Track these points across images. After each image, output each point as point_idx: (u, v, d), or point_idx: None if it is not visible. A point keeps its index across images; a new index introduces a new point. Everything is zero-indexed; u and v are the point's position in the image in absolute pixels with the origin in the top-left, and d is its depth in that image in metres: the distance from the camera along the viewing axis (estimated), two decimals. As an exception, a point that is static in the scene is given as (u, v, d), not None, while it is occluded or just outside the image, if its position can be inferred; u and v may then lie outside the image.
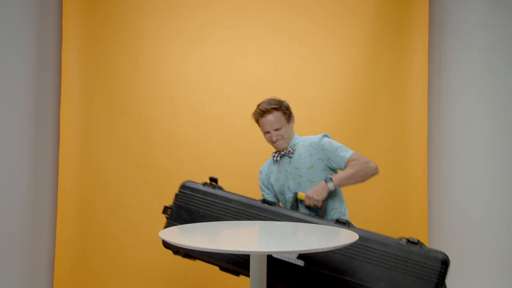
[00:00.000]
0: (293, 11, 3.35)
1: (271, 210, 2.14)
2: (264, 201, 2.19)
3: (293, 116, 2.37)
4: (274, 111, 2.32)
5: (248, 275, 2.01)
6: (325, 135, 2.34)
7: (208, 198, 2.21)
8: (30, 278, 2.61)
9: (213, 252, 2.04)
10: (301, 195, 2.20)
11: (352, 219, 2.23)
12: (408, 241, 1.91)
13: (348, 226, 2.03)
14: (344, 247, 1.92)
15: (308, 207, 2.24)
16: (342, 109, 3.35)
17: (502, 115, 2.62)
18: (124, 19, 3.29)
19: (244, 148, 3.25)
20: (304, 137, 2.39)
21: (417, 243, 1.90)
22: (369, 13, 3.34)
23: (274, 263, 1.95)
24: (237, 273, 2.11)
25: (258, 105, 2.36)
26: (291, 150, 2.34)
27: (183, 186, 2.27)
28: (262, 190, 2.48)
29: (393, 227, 3.31)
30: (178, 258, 3.28)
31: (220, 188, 2.26)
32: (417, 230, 3.27)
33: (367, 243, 1.94)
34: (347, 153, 2.25)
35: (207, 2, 3.33)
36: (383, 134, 3.36)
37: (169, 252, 3.25)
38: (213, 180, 2.29)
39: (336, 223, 2.04)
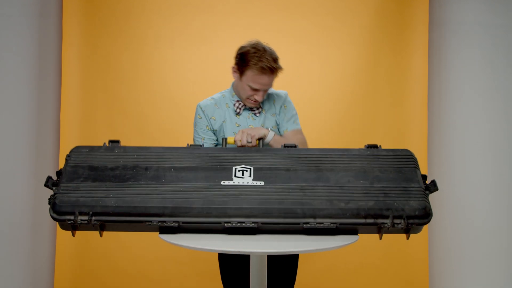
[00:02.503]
0: (292, 11, 3.35)
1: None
2: (191, 145, 1.77)
3: None
4: (276, 74, 2.04)
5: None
6: (287, 94, 2.24)
7: (116, 151, 1.70)
8: (30, 278, 2.61)
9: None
10: (231, 139, 1.93)
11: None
12: (368, 146, 1.73)
13: (295, 147, 1.75)
14: (304, 161, 1.65)
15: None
16: (342, 109, 3.35)
17: (503, 115, 2.62)
18: (125, 19, 3.28)
19: (244, 148, 3.24)
20: None
21: (376, 145, 1.73)
22: (369, 13, 3.34)
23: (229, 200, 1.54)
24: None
25: (262, 55, 1.98)
26: (260, 109, 2.15)
27: (76, 147, 1.74)
28: (203, 132, 2.13)
29: (393, 227, 3.31)
30: (178, 258, 3.29)
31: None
32: (417, 230, 3.27)
33: (327, 152, 1.69)
34: (297, 124, 2.19)
35: (208, 3, 3.33)
36: (383, 134, 3.36)
37: (169, 252, 3.27)
38: (115, 141, 1.79)
39: (283, 147, 1.75)
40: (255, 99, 2.07)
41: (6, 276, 2.48)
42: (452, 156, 2.71)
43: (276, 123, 2.19)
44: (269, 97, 2.20)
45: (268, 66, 1.98)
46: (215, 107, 2.18)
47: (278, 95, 2.22)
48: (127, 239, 3.26)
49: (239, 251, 1.43)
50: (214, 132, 2.17)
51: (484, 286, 2.59)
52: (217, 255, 2.30)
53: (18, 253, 2.54)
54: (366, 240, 3.16)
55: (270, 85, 2.07)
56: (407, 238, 1.59)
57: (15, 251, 2.52)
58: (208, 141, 2.16)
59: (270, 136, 1.98)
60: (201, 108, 2.19)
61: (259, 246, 1.54)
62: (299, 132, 2.19)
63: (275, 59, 2.03)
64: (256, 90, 2.05)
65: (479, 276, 2.61)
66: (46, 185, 1.59)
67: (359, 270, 3.35)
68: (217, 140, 2.19)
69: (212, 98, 2.23)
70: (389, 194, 1.58)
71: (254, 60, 2.00)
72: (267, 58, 2.00)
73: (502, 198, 2.60)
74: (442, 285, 2.77)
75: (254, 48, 2.05)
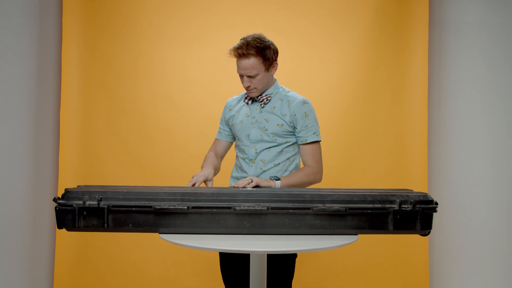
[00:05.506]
0: (293, 11, 3.35)
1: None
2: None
3: (276, 63, 2.15)
4: (252, 57, 2.05)
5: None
6: (306, 102, 2.19)
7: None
8: (30, 278, 2.61)
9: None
10: None
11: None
12: None
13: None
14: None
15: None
16: (343, 109, 3.35)
17: (503, 114, 2.62)
18: (124, 19, 3.29)
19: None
20: (285, 90, 2.23)
21: None
22: (369, 13, 3.34)
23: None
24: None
25: (240, 42, 2.07)
26: (265, 100, 2.18)
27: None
28: (221, 123, 2.37)
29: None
30: (178, 258, 3.29)
31: None
32: (417, 230, 3.27)
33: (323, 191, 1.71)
34: (311, 137, 2.17)
35: (208, 2, 3.33)
36: (384, 134, 3.36)
37: (169, 252, 3.27)
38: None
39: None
40: (243, 85, 2.15)
41: (6, 276, 2.48)
42: (452, 156, 2.71)
43: (287, 124, 2.17)
44: (285, 98, 2.21)
45: (238, 52, 2.05)
46: (237, 102, 2.33)
47: (294, 98, 2.21)
48: (127, 239, 3.26)
49: (239, 251, 1.43)
50: (228, 123, 2.33)
51: (484, 287, 2.59)
52: (218, 255, 2.31)
53: (18, 253, 2.53)
54: (367, 241, 3.17)
55: (250, 69, 2.08)
56: (420, 228, 1.58)
57: (15, 251, 2.52)
58: (222, 132, 2.37)
59: (278, 186, 2.01)
60: (227, 102, 2.38)
61: (259, 246, 1.54)
62: (317, 147, 2.20)
63: (251, 43, 2.06)
64: (241, 76, 2.13)
65: (479, 277, 2.61)
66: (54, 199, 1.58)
67: (360, 271, 3.35)
68: (231, 133, 2.35)
69: (240, 94, 2.38)
70: (391, 192, 1.65)
71: (233, 48, 2.09)
72: (242, 43, 2.07)
73: (502, 198, 2.60)
74: (442, 286, 2.77)
75: (241, 39, 2.12)
